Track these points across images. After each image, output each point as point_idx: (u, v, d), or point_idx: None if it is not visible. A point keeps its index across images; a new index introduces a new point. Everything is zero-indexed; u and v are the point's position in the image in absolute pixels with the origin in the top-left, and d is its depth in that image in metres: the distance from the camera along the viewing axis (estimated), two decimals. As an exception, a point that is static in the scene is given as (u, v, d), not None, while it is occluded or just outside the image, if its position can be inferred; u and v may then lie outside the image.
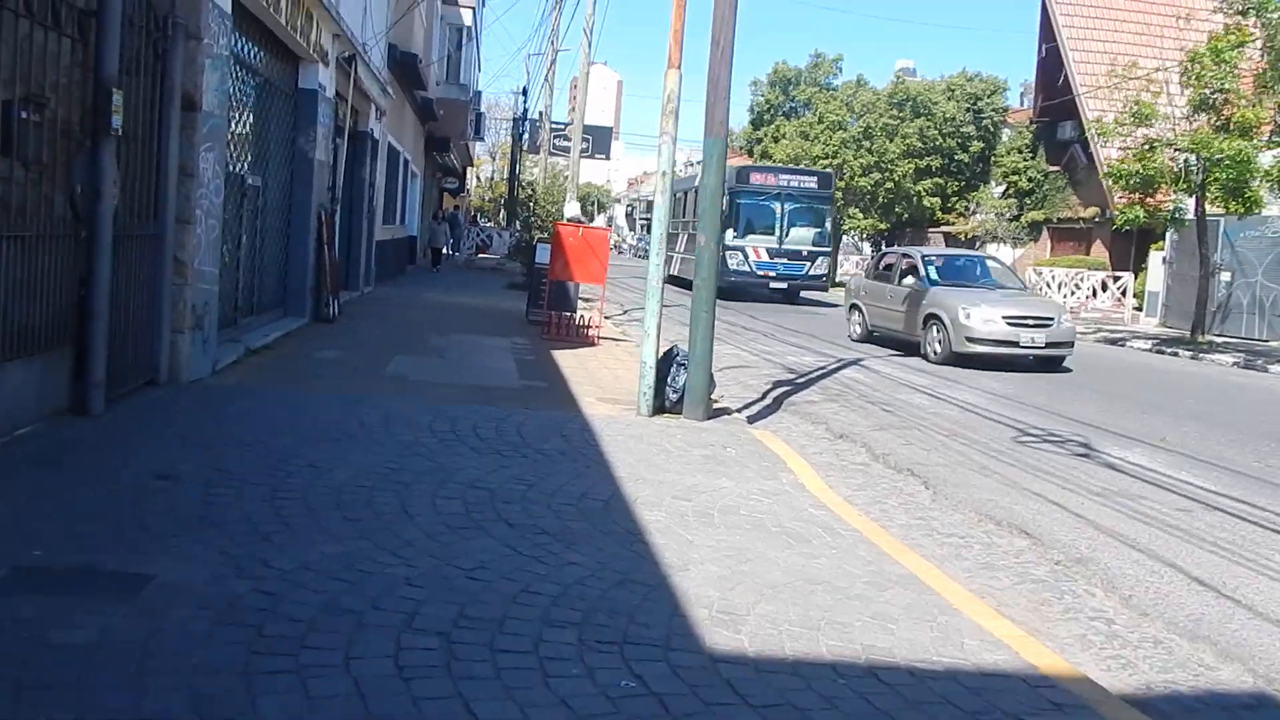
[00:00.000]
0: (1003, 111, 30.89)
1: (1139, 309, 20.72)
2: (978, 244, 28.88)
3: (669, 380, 6.73)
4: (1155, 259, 19.86)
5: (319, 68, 10.00)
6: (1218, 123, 13.13)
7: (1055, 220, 26.80)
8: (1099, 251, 24.05)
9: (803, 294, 21.86)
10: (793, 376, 9.73)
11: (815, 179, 21.96)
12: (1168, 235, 18.47)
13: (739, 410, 7.35)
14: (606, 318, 11.56)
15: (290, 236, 10.07)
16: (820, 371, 10.24)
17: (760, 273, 20.46)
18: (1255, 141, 12.82)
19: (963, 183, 30.53)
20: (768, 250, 20.61)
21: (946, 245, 31.73)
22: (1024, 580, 3.99)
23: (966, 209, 30.18)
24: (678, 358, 6.79)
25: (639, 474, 4.94)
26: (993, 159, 30.15)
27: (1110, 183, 15.94)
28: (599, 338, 10.97)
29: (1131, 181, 14.39)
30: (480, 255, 31.40)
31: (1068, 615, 3.65)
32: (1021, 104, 33.21)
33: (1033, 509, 5.05)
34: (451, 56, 25.16)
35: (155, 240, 5.88)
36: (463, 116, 26.18)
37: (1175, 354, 14.62)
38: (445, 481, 4.45)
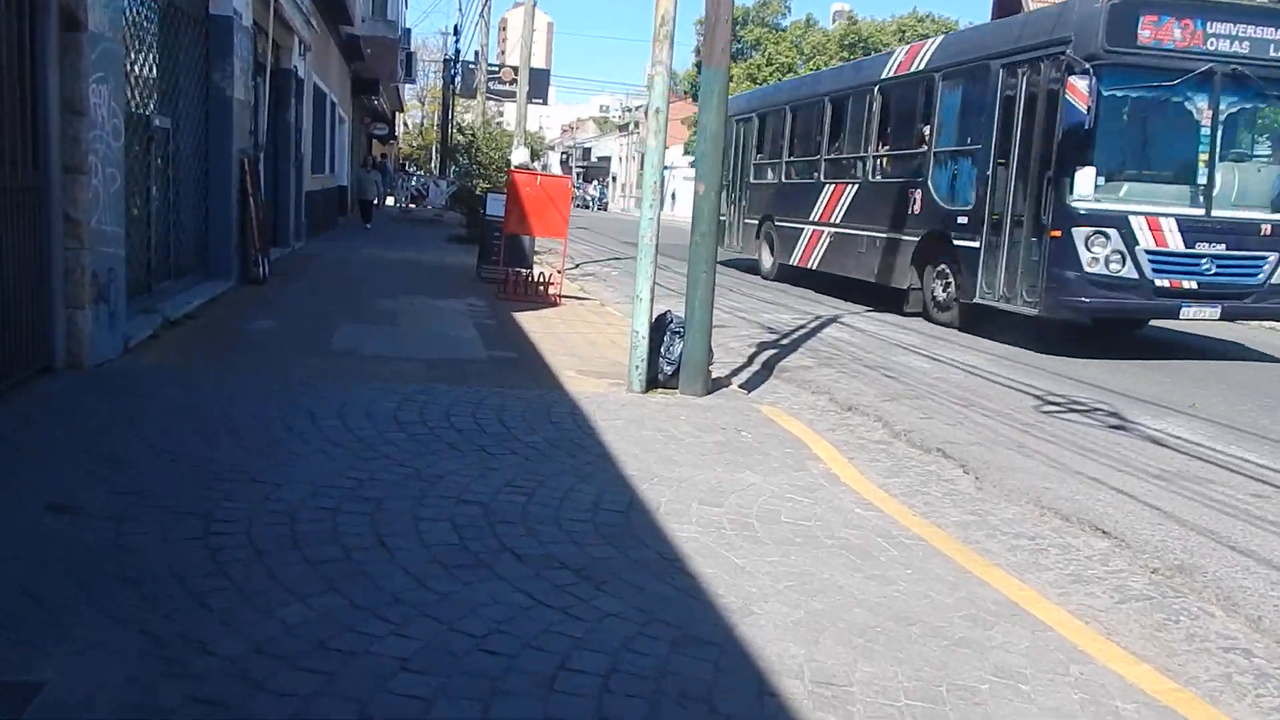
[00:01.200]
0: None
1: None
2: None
3: (662, 351, 5.96)
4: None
5: (233, -9, 8.69)
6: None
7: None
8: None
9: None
10: (775, 337, 9.05)
11: None
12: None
13: (729, 378, 6.65)
14: (559, 272, 10.67)
15: (209, 187, 8.85)
16: (801, 331, 9.59)
17: (1162, 282, 8.36)
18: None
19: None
20: (1181, 225, 8.34)
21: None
22: (1125, 597, 3.39)
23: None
24: (672, 325, 6.00)
25: (651, 470, 4.19)
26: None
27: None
28: (560, 297, 10.10)
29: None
30: (415, 205, 29.77)
31: (1194, 646, 3.05)
32: (967, 47, 32.75)
33: (1097, 499, 4.46)
34: (377, -11, 23.23)
35: (37, 194, 4.77)
36: (392, 56, 24.30)
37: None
38: (426, 495, 3.62)
